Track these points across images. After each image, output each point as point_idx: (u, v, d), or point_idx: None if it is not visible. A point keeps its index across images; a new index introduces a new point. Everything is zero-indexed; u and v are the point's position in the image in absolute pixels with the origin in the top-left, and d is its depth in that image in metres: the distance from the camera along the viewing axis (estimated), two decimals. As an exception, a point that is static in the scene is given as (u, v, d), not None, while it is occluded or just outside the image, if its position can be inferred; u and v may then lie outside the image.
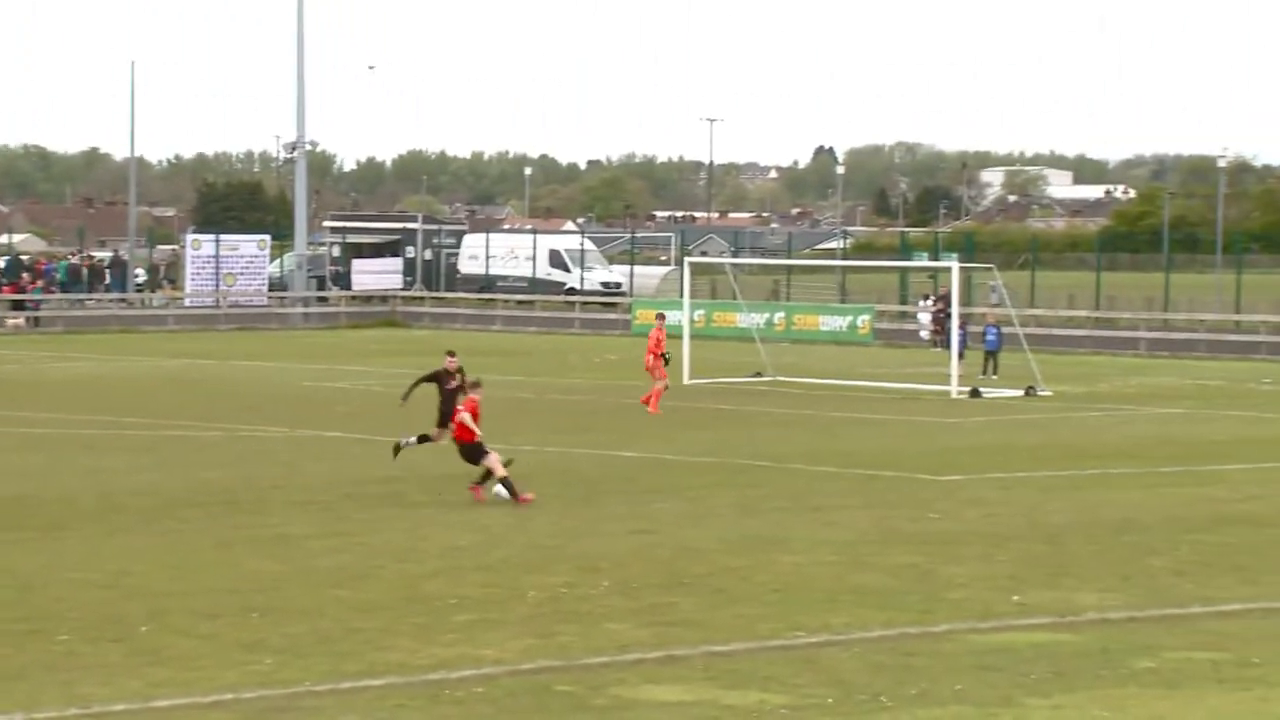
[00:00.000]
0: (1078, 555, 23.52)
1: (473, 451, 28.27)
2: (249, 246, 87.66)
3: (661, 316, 47.18)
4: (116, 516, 26.59)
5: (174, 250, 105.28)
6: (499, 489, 27.84)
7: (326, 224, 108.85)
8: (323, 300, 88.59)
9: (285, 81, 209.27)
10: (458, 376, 31.42)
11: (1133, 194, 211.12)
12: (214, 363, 60.22)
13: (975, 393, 48.23)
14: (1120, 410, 44.73)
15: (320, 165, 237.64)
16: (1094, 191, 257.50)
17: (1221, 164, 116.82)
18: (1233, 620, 19.74)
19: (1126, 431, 39.45)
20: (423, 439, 31.22)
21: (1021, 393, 48.56)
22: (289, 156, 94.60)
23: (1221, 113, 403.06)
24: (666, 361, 44.21)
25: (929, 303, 72.03)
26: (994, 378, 52.72)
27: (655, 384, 43.36)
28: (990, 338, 55.13)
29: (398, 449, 31.36)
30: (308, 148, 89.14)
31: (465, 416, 28.20)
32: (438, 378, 31.68)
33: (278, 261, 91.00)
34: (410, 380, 32.67)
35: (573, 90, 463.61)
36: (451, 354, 32.32)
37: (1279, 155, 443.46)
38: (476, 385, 29.32)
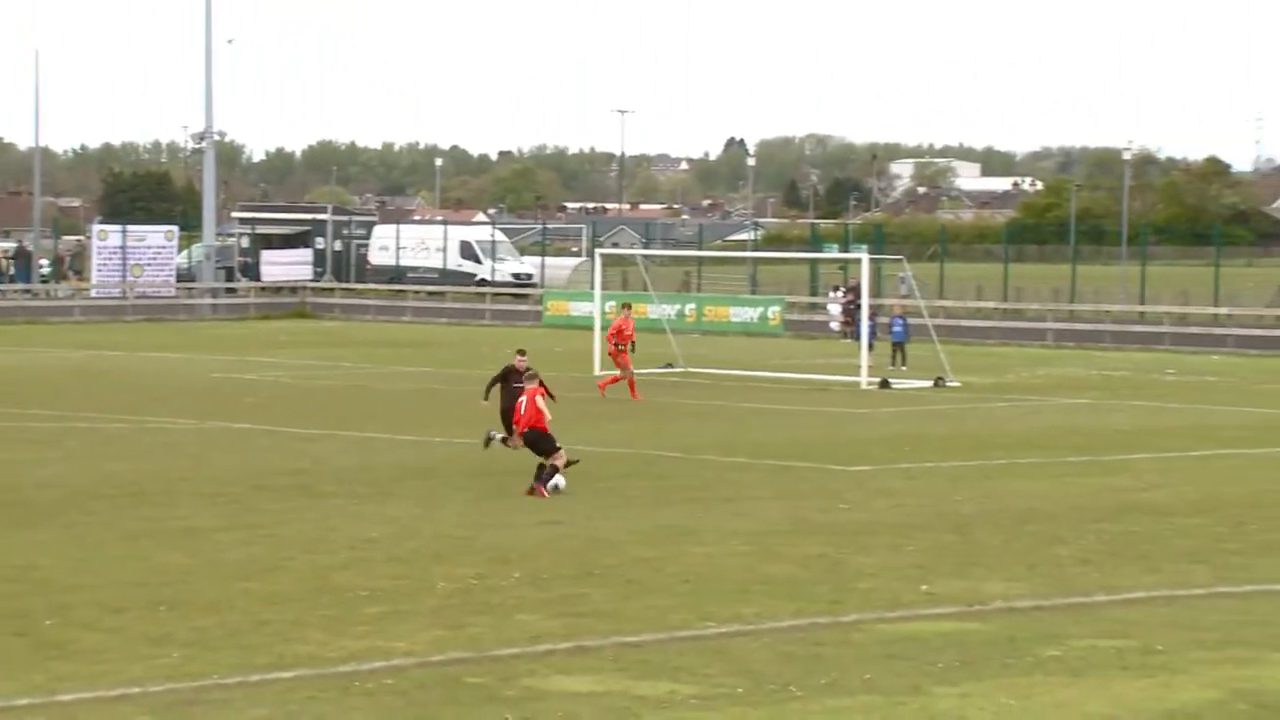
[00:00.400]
0: (985, 545, 23.73)
1: (542, 440, 27.94)
2: (156, 237, 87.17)
3: (627, 306, 47.41)
4: (22, 510, 26.37)
5: (79, 241, 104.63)
6: (559, 480, 27.72)
7: (235, 215, 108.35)
8: (231, 291, 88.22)
9: (193, 71, 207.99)
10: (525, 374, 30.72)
11: (1040, 186, 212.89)
12: (121, 354, 59.86)
13: (885, 384, 48.55)
14: (1027, 401, 45.14)
15: (229, 156, 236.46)
16: (1001, 184, 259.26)
17: (1126, 157, 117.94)
18: (1136, 608, 19.98)
19: (1033, 422, 39.80)
20: (503, 440, 30.23)
21: (930, 383, 48.91)
22: (197, 147, 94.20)
23: (1126, 106, 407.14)
24: (630, 350, 44.62)
25: (839, 294, 72.40)
26: (903, 369, 53.08)
27: (622, 373, 43.84)
28: (897, 329, 55.51)
29: (489, 441, 30.60)
30: (216, 138, 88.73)
31: (540, 401, 27.95)
32: (506, 376, 31.16)
33: (186, 252, 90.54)
34: (481, 380, 32.85)
35: (484, 81, 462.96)
36: (522, 352, 31.90)
37: (1183, 148, 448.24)
38: (534, 376, 28.89)
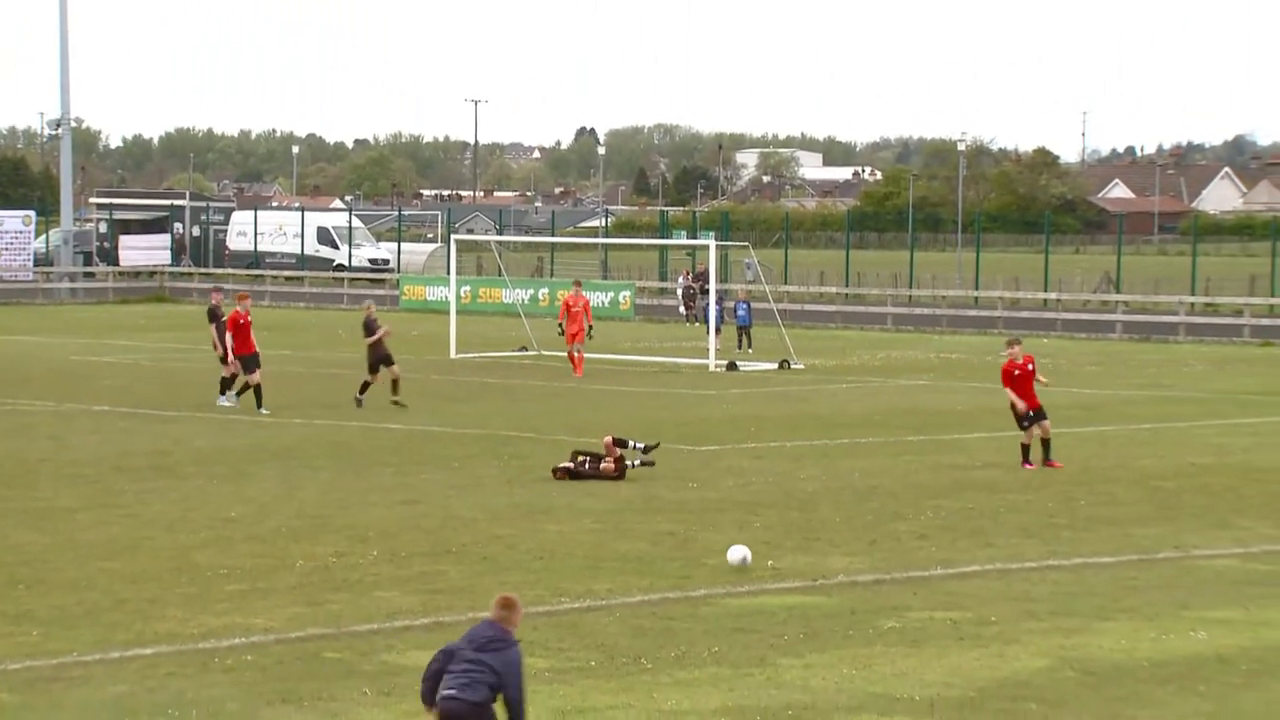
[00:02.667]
0: (828, 521, 24.29)
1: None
2: (13, 222, 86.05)
3: (578, 284, 49.34)
4: (-121, 492, 26.30)
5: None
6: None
7: (93, 200, 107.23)
8: (90, 276, 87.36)
9: (49, 57, 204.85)
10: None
11: (879, 176, 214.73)
12: (-26, 338, 59.14)
13: (732, 366, 49.14)
14: (868, 382, 45.76)
15: (86, 142, 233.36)
16: (843, 173, 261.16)
17: (961, 147, 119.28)
18: (971, 581, 20.64)
19: (874, 403, 40.40)
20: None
21: (776, 366, 49.51)
22: (54, 133, 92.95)
23: (960, 99, 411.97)
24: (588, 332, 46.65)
25: (685, 279, 72.93)
26: (749, 352, 53.68)
27: (572, 347, 45.69)
28: (741, 313, 56.12)
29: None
30: (73, 124, 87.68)
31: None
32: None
33: (43, 237, 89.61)
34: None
35: (340, 70, 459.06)
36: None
37: (1014, 140, 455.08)
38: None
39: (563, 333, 46.95)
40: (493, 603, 12.64)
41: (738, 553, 20.84)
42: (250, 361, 37.43)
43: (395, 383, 37.88)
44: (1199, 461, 30.67)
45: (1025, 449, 29.57)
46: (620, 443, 28.06)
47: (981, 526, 24.13)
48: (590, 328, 47.24)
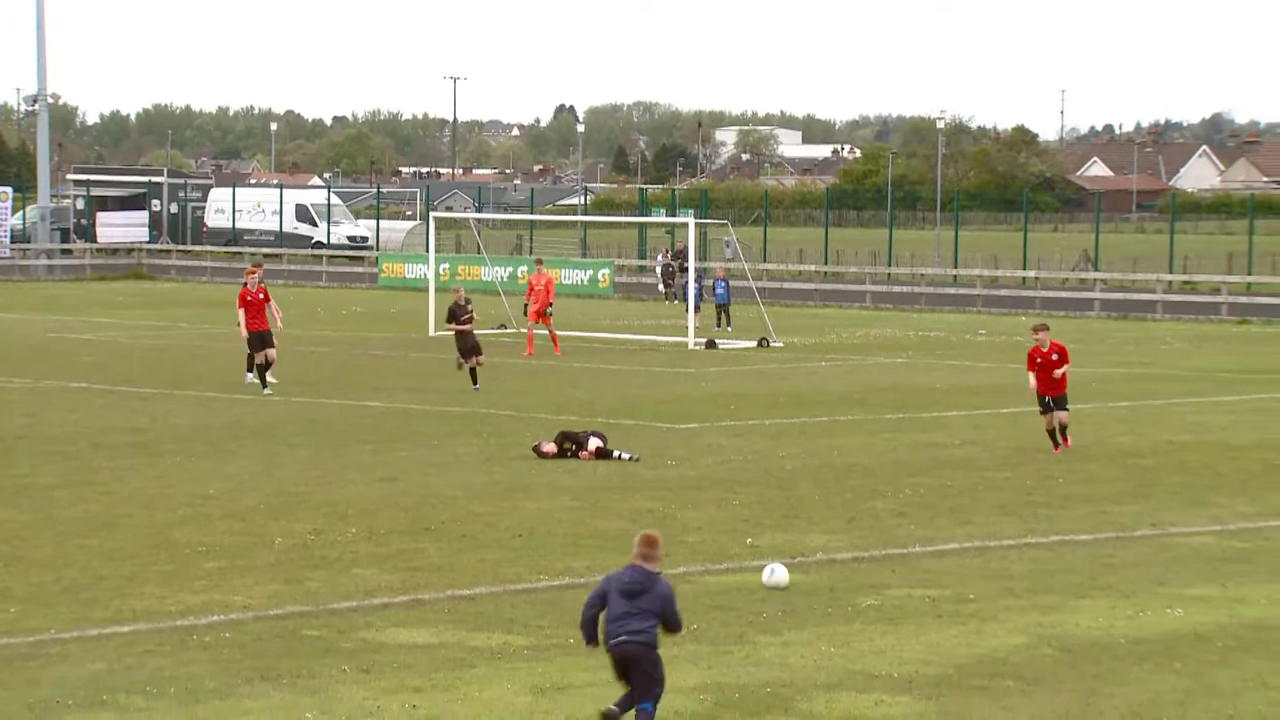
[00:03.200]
0: (807, 499, 24.33)
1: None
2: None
3: (539, 262, 48.67)
4: None
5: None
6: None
7: (70, 177, 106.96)
8: (67, 253, 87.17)
9: (25, 33, 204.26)
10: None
11: (858, 154, 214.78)
12: (-49, 315, 59.03)
13: (711, 344, 49.17)
14: (847, 360, 45.80)
15: (63, 118, 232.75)
16: (822, 151, 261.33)
17: (940, 125, 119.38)
18: (950, 559, 20.71)
19: (853, 380, 40.45)
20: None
21: (755, 344, 49.57)
22: (30, 109, 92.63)
23: (939, 77, 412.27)
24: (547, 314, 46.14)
25: (664, 257, 72.97)
26: (728, 330, 53.73)
27: (533, 330, 45.77)
28: (720, 291, 56.15)
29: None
30: (50, 101, 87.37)
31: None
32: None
33: (20, 214, 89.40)
34: None
35: (318, 46, 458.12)
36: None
37: (993, 118, 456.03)
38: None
39: (551, 312, 46.68)
40: (635, 542, 14.07)
41: (777, 575, 19.34)
42: (254, 339, 36.36)
43: (473, 371, 37.18)
44: (1176, 439, 30.75)
45: (1050, 434, 29.01)
46: (604, 454, 27.88)
47: (960, 504, 24.18)
48: (550, 306, 46.59)
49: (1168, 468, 27.60)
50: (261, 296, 36.74)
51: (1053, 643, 16.75)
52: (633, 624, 13.63)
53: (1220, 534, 22.46)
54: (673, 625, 13.89)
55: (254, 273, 37.55)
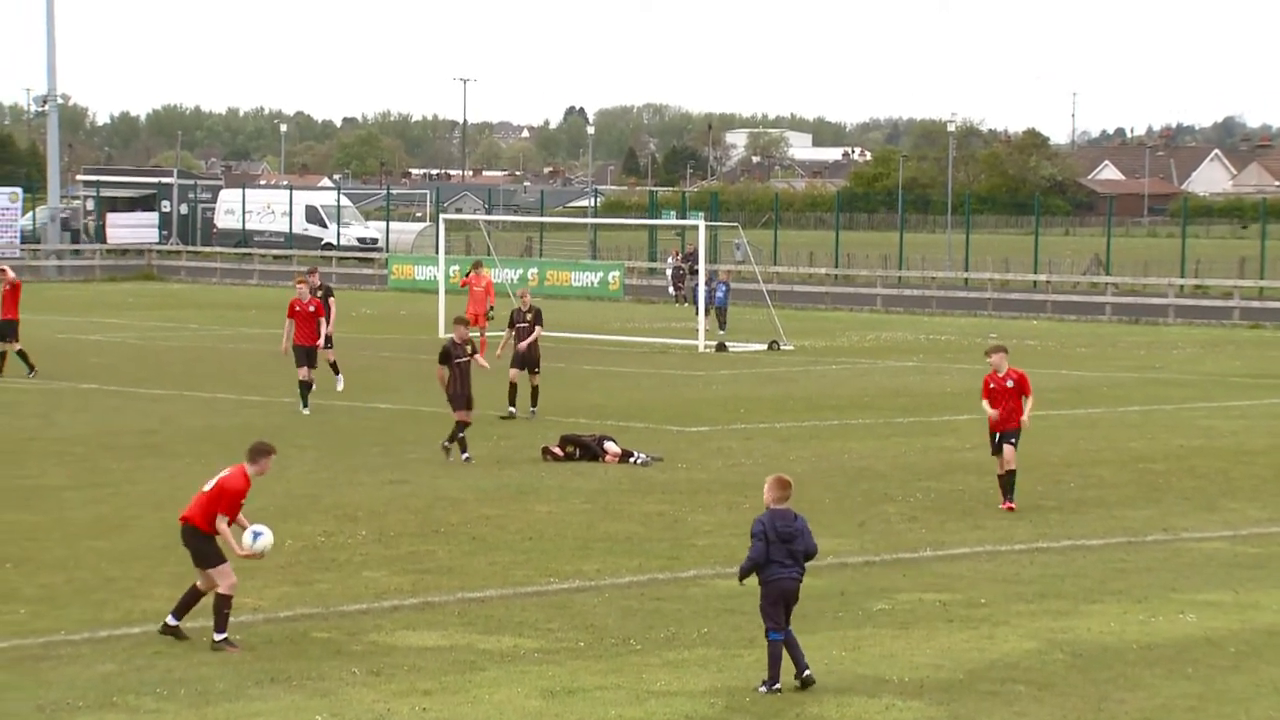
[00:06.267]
0: (817, 502, 24.22)
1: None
2: (0, 199, 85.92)
3: (478, 264, 47.29)
4: None
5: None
6: None
7: (80, 178, 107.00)
8: (77, 253, 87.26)
9: (36, 34, 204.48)
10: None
11: (869, 156, 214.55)
12: (-40, 316, 58.99)
13: (721, 347, 49.16)
14: (858, 364, 45.77)
15: (73, 119, 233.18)
16: (832, 153, 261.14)
17: (951, 128, 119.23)
18: (960, 563, 20.68)
19: (863, 384, 40.41)
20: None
21: (765, 347, 49.54)
22: (40, 110, 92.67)
23: (950, 80, 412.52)
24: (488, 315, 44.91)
25: (674, 260, 72.93)
26: (720, 332, 53.54)
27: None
28: (719, 294, 56.03)
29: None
30: (59, 101, 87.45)
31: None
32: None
33: (30, 214, 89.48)
34: None
35: (328, 47, 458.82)
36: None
37: (1004, 121, 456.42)
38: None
39: (493, 316, 45.31)
40: (771, 486, 15.73)
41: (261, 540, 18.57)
42: (300, 354, 33.49)
43: (463, 440, 28.89)
44: (1188, 444, 30.70)
45: (1000, 480, 24.38)
46: (626, 455, 27.78)
47: (971, 508, 24.15)
48: (491, 309, 45.75)
49: (1179, 473, 27.55)
50: (312, 309, 33.86)
51: (1064, 648, 16.70)
52: (796, 561, 15.57)
53: (1232, 539, 22.41)
54: (811, 551, 15.80)
55: (303, 282, 34.67)
